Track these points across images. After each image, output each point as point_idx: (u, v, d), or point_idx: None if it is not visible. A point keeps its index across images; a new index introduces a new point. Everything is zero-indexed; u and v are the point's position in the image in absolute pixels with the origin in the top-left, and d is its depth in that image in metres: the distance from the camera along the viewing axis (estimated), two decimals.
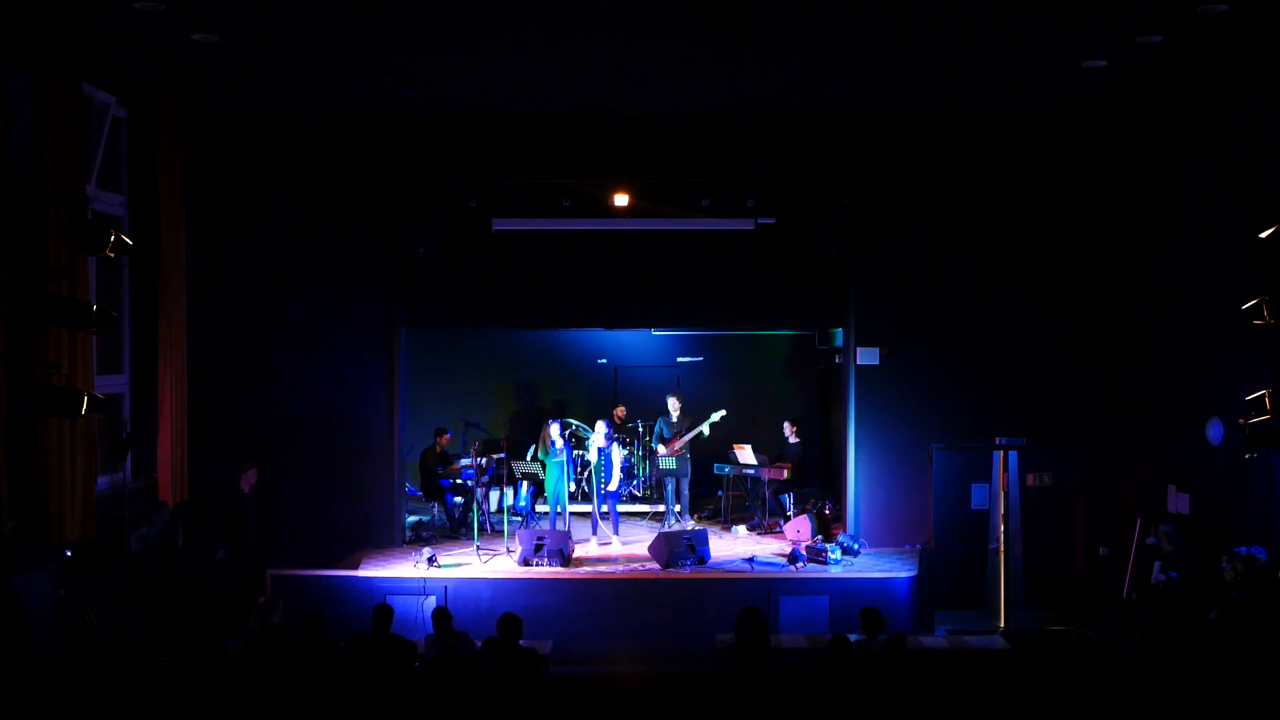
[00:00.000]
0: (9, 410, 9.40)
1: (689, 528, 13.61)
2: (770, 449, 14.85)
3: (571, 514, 13.75)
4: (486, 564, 12.53)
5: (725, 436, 14.87)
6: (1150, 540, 11.59)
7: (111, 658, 9.38)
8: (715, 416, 14.34)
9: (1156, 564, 11.24)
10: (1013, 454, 13.01)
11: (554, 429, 13.54)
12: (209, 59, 10.82)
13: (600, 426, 13.66)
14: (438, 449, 14.61)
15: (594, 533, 13.58)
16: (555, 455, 13.38)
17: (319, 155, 13.46)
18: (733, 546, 13.48)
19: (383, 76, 11.48)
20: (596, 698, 10.22)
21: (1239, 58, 10.46)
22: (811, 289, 14.08)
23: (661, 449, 14.47)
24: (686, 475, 14.50)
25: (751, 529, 14.44)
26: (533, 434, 15.59)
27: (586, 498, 14.71)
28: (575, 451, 15.17)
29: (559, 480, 13.45)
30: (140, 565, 11.40)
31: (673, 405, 14.64)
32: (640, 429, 16.25)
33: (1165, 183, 12.54)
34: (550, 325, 15.87)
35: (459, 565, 12.43)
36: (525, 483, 14.81)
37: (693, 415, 14.53)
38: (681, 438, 14.36)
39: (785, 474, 14.27)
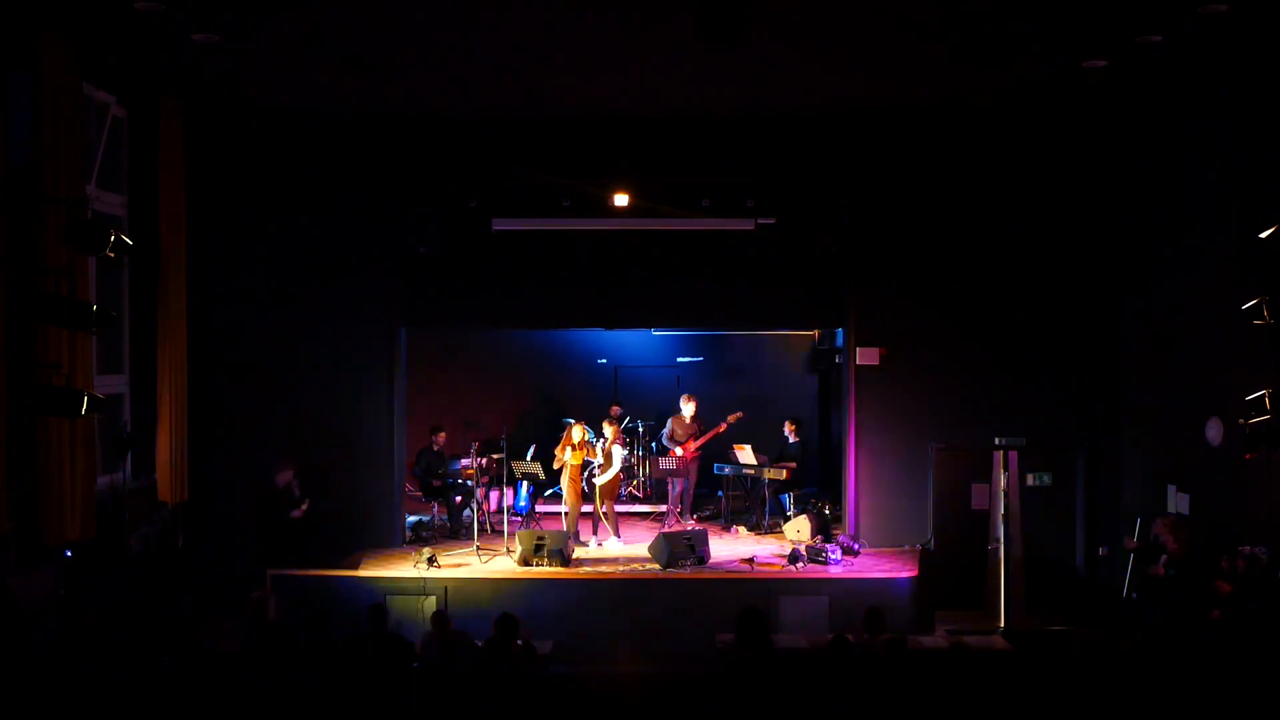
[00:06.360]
0: (9, 410, 9.40)
1: (689, 528, 13.60)
2: (770, 449, 14.84)
3: None
4: (486, 564, 12.53)
5: (725, 437, 14.84)
6: (1151, 537, 11.55)
7: (111, 658, 9.37)
8: (731, 418, 14.29)
9: (1162, 558, 11.22)
10: (1013, 454, 12.99)
11: (577, 431, 13.36)
12: (209, 59, 10.81)
13: (608, 428, 13.63)
14: (434, 447, 14.59)
15: (594, 533, 13.57)
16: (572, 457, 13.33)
17: (319, 155, 13.45)
18: (733, 546, 13.48)
19: (383, 76, 11.48)
20: (596, 698, 10.22)
21: (1239, 58, 10.46)
22: (811, 289, 14.07)
23: (678, 451, 14.33)
24: (693, 477, 14.47)
25: (751, 529, 14.43)
26: (533, 434, 15.57)
27: (587, 498, 14.69)
28: None
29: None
30: (140, 565, 11.40)
31: (688, 407, 14.53)
32: (640, 429, 16.23)
33: (1165, 182, 12.53)
34: (550, 325, 15.87)
35: (459, 565, 12.44)
36: (525, 483, 14.79)
37: (703, 418, 14.47)
38: (696, 440, 14.28)
39: (785, 474, 14.25)
